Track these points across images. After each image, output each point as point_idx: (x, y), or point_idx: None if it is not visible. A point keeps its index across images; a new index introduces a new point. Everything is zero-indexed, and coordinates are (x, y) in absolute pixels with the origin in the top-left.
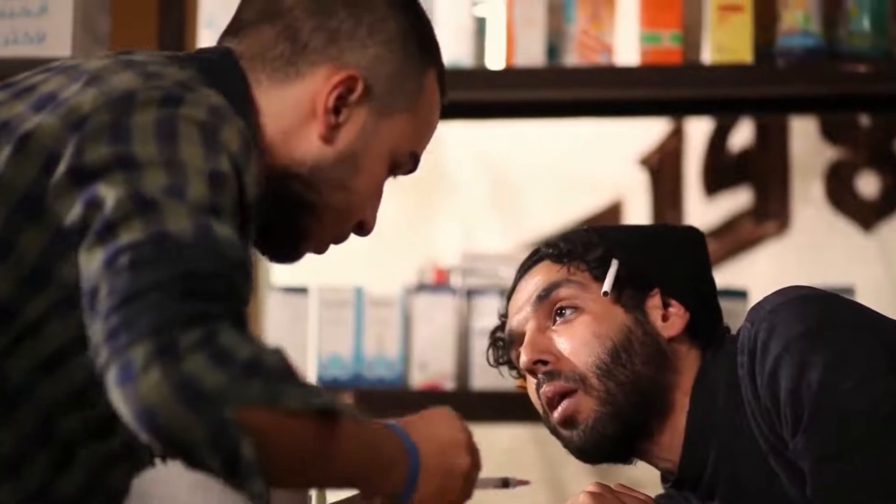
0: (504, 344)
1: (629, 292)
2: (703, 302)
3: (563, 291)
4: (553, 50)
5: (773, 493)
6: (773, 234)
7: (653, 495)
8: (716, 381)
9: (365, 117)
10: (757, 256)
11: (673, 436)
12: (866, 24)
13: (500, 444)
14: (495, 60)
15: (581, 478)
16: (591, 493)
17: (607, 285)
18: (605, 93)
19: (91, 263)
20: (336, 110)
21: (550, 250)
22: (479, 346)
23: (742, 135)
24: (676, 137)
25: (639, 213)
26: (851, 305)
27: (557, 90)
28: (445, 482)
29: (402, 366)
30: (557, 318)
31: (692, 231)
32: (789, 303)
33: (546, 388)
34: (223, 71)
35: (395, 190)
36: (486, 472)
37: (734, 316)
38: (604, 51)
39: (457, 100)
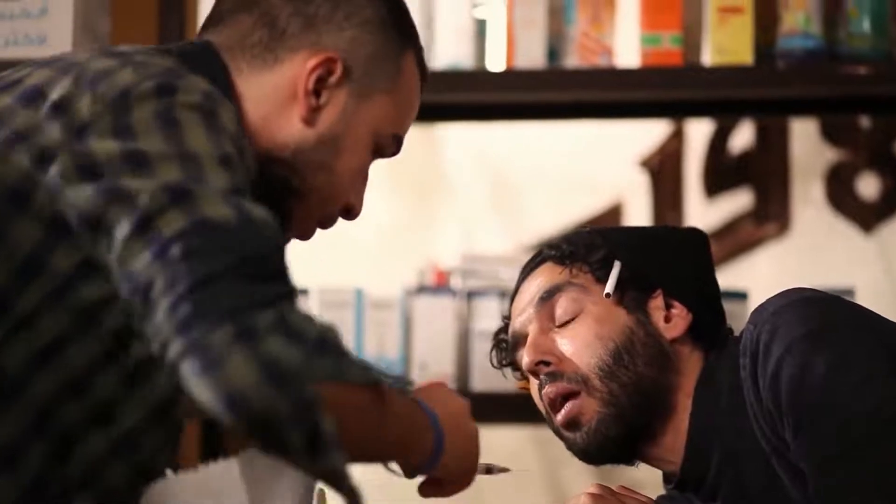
0: (507, 345)
1: (631, 294)
2: (706, 303)
3: (566, 294)
4: (553, 52)
5: (776, 495)
6: (773, 236)
7: (654, 497)
8: (719, 382)
9: (345, 99)
10: (757, 258)
11: (676, 437)
12: (866, 25)
13: (500, 446)
14: (496, 62)
15: (581, 479)
16: (592, 495)
17: (609, 287)
18: (606, 94)
19: (134, 258)
20: (316, 93)
21: (553, 252)
22: (479, 348)
23: (742, 136)
24: (677, 139)
25: (639, 214)
26: (853, 308)
27: (558, 92)
28: (468, 445)
29: (402, 367)
30: (559, 319)
31: (695, 232)
32: (792, 305)
33: (548, 390)
34: (204, 61)
35: (395, 191)
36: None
37: (735, 318)
38: (604, 53)
39: (457, 101)
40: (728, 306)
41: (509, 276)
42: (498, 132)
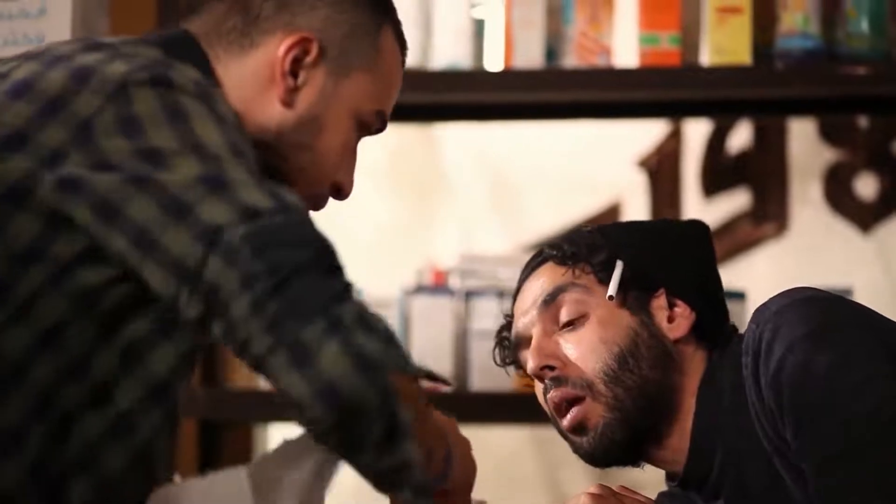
0: (510, 343)
1: (634, 294)
2: (709, 300)
3: (569, 296)
4: (552, 52)
5: (778, 495)
6: (771, 236)
7: (654, 496)
8: (721, 381)
9: (323, 78)
10: (755, 258)
11: (681, 438)
12: (865, 25)
13: (498, 446)
14: (494, 62)
15: (579, 479)
16: (592, 495)
17: (612, 289)
18: (604, 94)
19: (184, 251)
20: (293, 74)
21: (555, 252)
22: (478, 348)
23: (740, 136)
24: (675, 139)
25: (637, 214)
26: (855, 307)
27: (556, 92)
28: (470, 455)
29: None
30: (563, 322)
31: (697, 226)
32: (794, 304)
33: (553, 395)
34: (186, 49)
35: (394, 191)
36: (484, 474)
37: (733, 318)
38: (602, 52)
39: (455, 102)
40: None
41: (508, 276)
42: (496, 132)
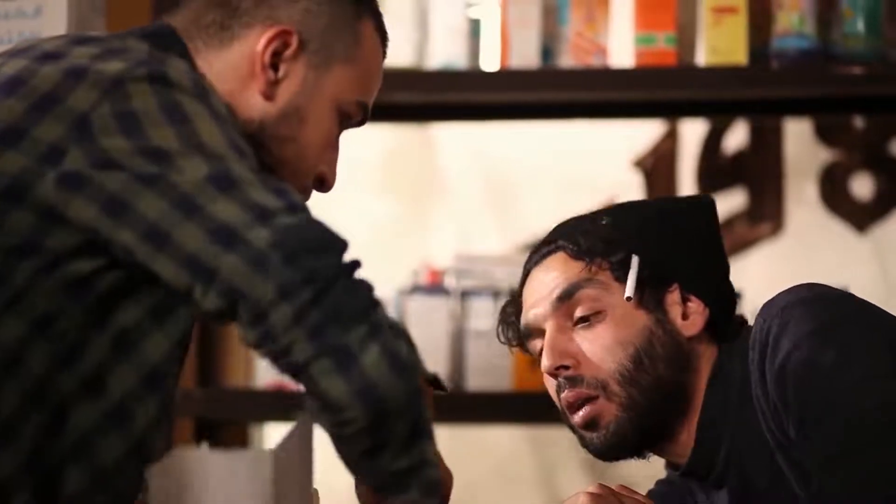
0: (515, 323)
1: (650, 291)
2: (721, 293)
3: (586, 293)
4: (547, 52)
5: (781, 490)
6: (767, 236)
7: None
8: (730, 375)
9: (304, 71)
10: (751, 258)
11: (690, 432)
12: (860, 25)
13: (494, 446)
14: (490, 62)
15: (576, 478)
16: (591, 494)
17: (630, 290)
18: (600, 94)
19: (199, 246)
20: (274, 66)
21: (570, 246)
22: (474, 348)
23: (736, 137)
24: (671, 139)
25: None
26: (863, 305)
27: (552, 92)
28: (447, 470)
29: None
30: (578, 318)
31: (704, 205)
32: (802, 301)
33: (567, 395)
34: (169, 43)
35: (389, 191)
36: (481, 473)
37: None
38: (598, 52)
39: (451, 101)
40: None
41: (504, 275)
42: (492, 132)
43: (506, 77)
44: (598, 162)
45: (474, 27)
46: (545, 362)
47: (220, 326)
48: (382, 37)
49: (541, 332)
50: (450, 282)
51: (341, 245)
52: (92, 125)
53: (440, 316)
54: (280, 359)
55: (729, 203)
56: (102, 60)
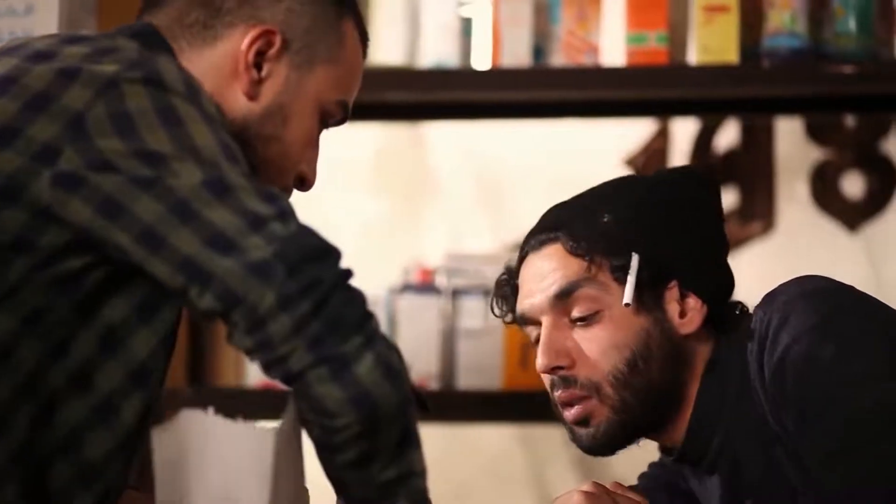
0: (510, 297)
1: (649, 291)
2: (720, 285)
3: (584, 292)
4: (539, 50)
5: (773, 481)
6: (758, 235)
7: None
8: (728, 366)
9: (287, 70)
10: (742, 257)
11: (683, 423)
12: (852, 24)
13: (485, 445)
14: (481, 61)
15: (567, 477)
16: (586, 493)
17: (628, 297)
18: (591, 93)
19: (194, 250)
20: (257, 66)
21: (570, 242)
22: (464, 347)
23: (728, 135)
24: (662, 138)
25: None
26: (865, 299)
27: (543, 91)
28: None
29: None
30: (575, 317)
31: (706, 184)
32: (804, 294)
33: (561, 394)
34: (154, 42)
35: (380, 190)
36: (471, 473)
37: None
38: (590, 51)
39: (443, 100)
40: None
41: (494, 274)
42: (483, 131)
43: (497, 76)
44: (590, 161)
45: (466, 26)
46: (541, 361)
47: (210, 325)
48: (363, 37)
49: (536, 322)
50: (441, 281)
51: (336, 254)
52: (87, 125)
53: (431, 315)
54: (275, 365)
55: None
56: (95, 61)
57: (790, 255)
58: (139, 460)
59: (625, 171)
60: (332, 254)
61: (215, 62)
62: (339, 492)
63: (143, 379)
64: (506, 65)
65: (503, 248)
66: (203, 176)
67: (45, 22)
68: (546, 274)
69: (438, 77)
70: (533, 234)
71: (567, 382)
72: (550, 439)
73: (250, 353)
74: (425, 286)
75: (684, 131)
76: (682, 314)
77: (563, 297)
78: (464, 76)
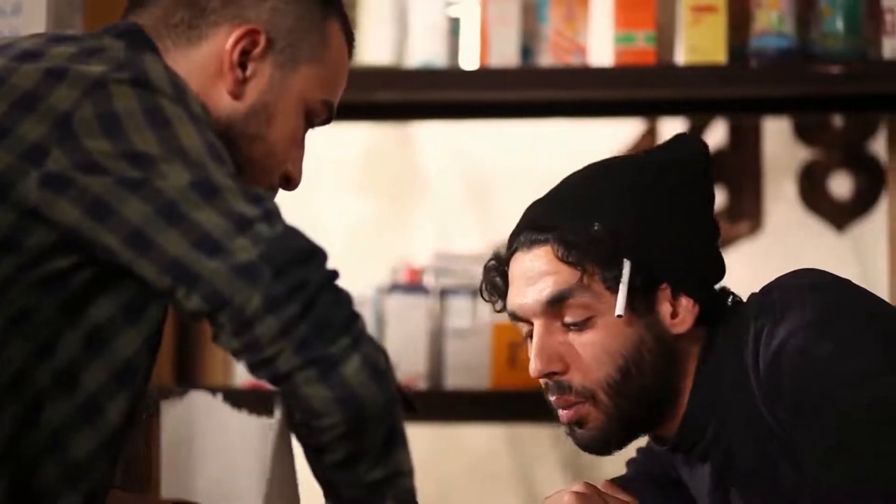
0: (501, 286)
1: (640, 297)
2: (711, 278)
3: (577, 300)
4: (527, 50)
5: (765, 473)
6: (745, 235)
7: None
8: (722, 356)
9: (271, 70)
10: (730, 256)
11: (677, 418)
12: (840, 24)
13: (473, 445)
14: (469, 61)
15: (554, 477)
16: (577, 493)
17: (620, 308)
18: (579, 93)
19: (181, 252)
20: (242, 65)
21: (562, 249)
22: (452, 347)
23: (715, 135)
24: (650, 138)
25: None
26: (862, 294)
27: (531, 91)
28: None
29: None
30: (568, 322)
31: (698, 165)
32: (801, 288)
33: (556, 399)
34: (140, 42)
35: (368, 189)
36: (459, 472)
37: None
38: (577, 51)
39: (430, 100)
40: None
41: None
42: (471, 130)
43: (485, 76)
44: (578, 160)
45: (454, 26)
46: (534, 366)
47: (197, 324)
48: (349, 37)
49: (527, 320)
50: (429, 280)
51: (322, 255)
52: (74, 125)
53: (419, 314)
54: (262, 366)
55: None
56: (82, 61)
57: (778, 254)
58: (125, 459)
59: None
60: (318, 255)
61: (200, 62)
62: (327, 493)
63: (128, 378)
64: (493, 65)
65: (491, 248)
66: (191, 177)
67: (32, 21)
68: (537, 276)
69: (426, 77)
70: (522, 230)
71: (561, 388)
72: (538, 439)
73: (237, 354)
74: (413, 286)
75: (672, 131)
76: (675, 314)
77: (555, 304)
78: (452, 76)
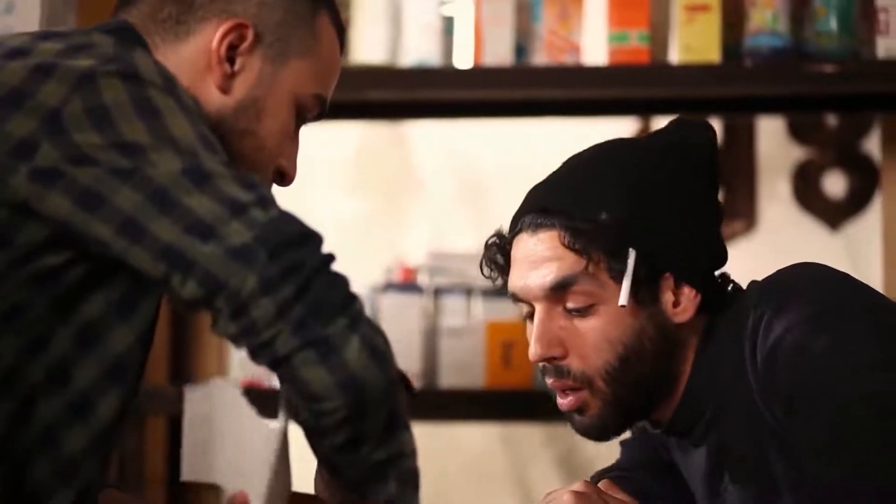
0: (503, 265)
1: (644, 287)
2: (713, 266)
3: (580, 287)
4: (521, 49)
5: (757, 462)
6: (740, 234)
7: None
8: (722, 344)
9: (260, 64)
10: None
11: (674, 402)
12: (833, 24)
13: (467, 444)
14: (463, 59)
15: (549, 476)
16: (576, 493)
17: (624, 298)
18: (573, 92)
19: (175, 238)
20: (230, 60)
21: (567, 236)
22: (447, 345)
23: None
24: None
25: None
26: (863, 291)
27: (525, 89)
28: None
29: None
30: (570, 307)
31: (699, 150)
32: (801, 283)
33: (553, 383)
34: (129, 38)
35: (363, 188)
36: (453, 472)
37: None
38: (571, 50)
39: (424, 99)
40: None
41: (477, 273)
42: (465, 129)
43: (479, 74)
44: None
45: (447, 25)
46: (533, 350)
47: (193, 321)
48: (339, 32)
49: (528, 302)
50: (423, 279)
51: (318, 239)
52: (63, 120)
53: (413, 313)
54: (260, 351)
55: None
56: (70, 56)
57: (772, 253)
58: (120, 458)
59: None
60: (314, 238)
61: (189, 57)
62: (331, 473)
63: (120, 375)
64: (487, 64)
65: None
66: (182, 164)
67: (26, 19)
68: (541, 260)
69: (420, 76)
70: (527, 212)
71: (560, 372)
72: (532, 438)
73: (236, 339)
74: (407, 285)
75: None
76: (677, 304)
77: (559, 290)
78: (446, 75)
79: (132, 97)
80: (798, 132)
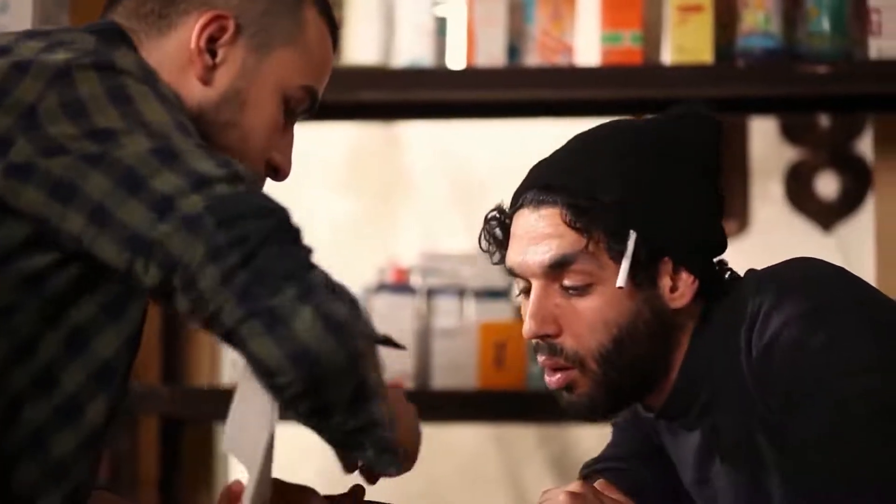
0: (501, 239)
1: (642, 270)
2: (712, 253)
3: (579, 266)
4: (514, 50)
5: (748, 451)
6: (732, 234)
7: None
8: (717, 332)
9: (243, 55)
10: None
11: (667, 388)
12: (826, 24)
13: (460, 445)
14: (456, 60)
15: (542, 476)
16: (572, 493)
17: (622, 279)
18: (566, 93)
19: (139, 220)
20: (211, 52)
21: (570, 215)
22: (439, 346)
23: None
24: None
25: None
26: (861, 287)
27: (518, 90)
28: (415, 423)
29: None
30: (567, 286)
31: (710, 139)
32: (799, 278)
33: (545, 360)
34: (114, 36)
35: (355, 189)
36: (446, 472)
37: None
38: (564, 51)
39: (417, 99)
40: None
41: (469, 274)
42: (458, 130)
43: (472, 75)
44: None
45: (440, 25)
46: (527, 326)
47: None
48: (331, 26)
49: (525, 278)
50: (415, 280)
51: (281, 213)
52: (39, 115)
53: (406, 314)
54: (211, 324)
55: None
56: (47, 52)
57: (764, 254)
58: (112, 459)
59: None
60: (275, 212)
61: (171, 52)
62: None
63: (107, 379)
64: (480, 64)
65: (478, 248)
66: (151, 145)
67: (19, 19)
68: (541, 237)
69: (413, 76)
70: (529, 187)
71: (552, 350)
72: (525, 439)
73: (190, 315)
74: (400, 286)
75: None
76: (674, 289)
77: (557, 268)
78: (438, 76)
79: (107, 87)
80: (790, 133)
